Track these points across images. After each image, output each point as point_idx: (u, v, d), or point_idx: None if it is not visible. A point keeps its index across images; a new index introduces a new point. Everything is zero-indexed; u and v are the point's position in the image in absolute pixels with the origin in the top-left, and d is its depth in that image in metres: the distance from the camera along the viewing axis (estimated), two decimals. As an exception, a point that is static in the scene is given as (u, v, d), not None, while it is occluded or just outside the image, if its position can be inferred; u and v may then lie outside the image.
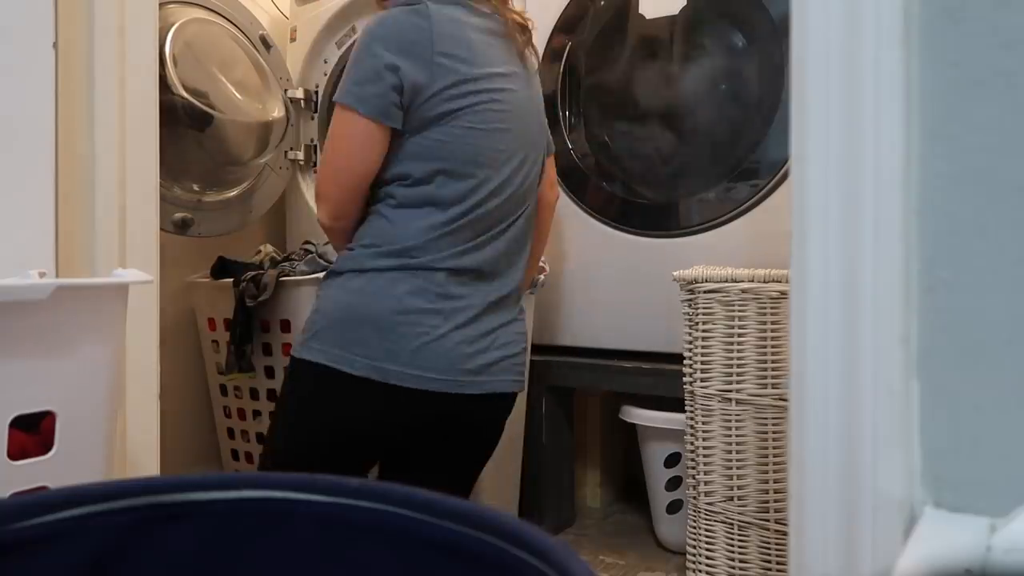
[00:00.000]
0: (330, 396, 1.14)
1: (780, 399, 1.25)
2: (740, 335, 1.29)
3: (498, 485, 1.69)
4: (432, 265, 1.15)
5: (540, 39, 1.85)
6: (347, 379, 1.12)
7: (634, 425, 1.80)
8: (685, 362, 1.36)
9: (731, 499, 1.31)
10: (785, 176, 1.54)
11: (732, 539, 1.31)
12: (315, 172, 2.16)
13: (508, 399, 1.25)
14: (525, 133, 1.24)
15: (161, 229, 1.29)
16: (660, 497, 1.79)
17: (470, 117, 1.16)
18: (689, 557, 1.38)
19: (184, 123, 1.84)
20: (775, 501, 1.27)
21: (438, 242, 1.15)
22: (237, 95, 1.89)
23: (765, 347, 1.27)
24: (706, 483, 1.33)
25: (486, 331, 1.19)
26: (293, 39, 2.20)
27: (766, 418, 1.27)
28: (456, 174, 1.16)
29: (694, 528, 1.36)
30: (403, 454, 1.24)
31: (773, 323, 1.26)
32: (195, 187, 1.89)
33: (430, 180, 1.16)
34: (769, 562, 1.28)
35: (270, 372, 1.78)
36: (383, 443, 1.21)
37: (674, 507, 1.76)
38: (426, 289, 1.14)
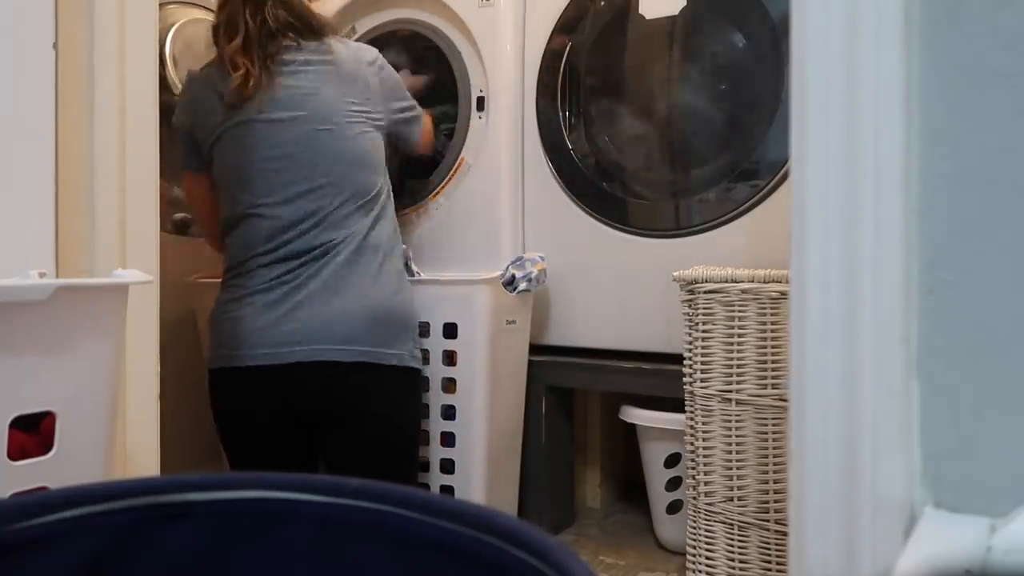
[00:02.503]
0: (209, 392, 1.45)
1: (780, 399, 1.25)
2: (740, 335, 1.29)
3: (498, 485, 1.69)
4: (235, 269, 1.42)
5: (540, 39, 1.86)
6: (208, 373, 1.42)
7: (634, 425, 1.80)
8: (685, 362, 1.36)
9: (731, 499, 1.31)
10: (785, 176, 1.54)
11: (732, 539, 1.31)
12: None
13: (334, 368, 1.34)
14: (257, 147, 1.39)
15: (161, 229, 1.29)
16: (660, 497, 1.79)
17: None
18: (689, 557, 1.37)
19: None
20: (775, 501, 1.27)
21: (230, 252, 1.44)
22: (237, 95, 1.89)
23: (765, 347, 1.27)
24: (706, 483, 1.33)
25: (288, 308, 1.34)
26: (293, 39, 2.20)
27: (766, 418, 1.27)
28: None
29: (694, 528, 1.36)
30: (303, 444, 1.41)
31: (773, 323, 1.26)
32: (195, 187, 1.89)
33: None
34: (769, 562, 1.28)
35: (270, 372, 1.78)
36: (255, 428, 1.39)
37: (674, 507, 1.76)
38: (232, 286, 1.41)
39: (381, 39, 1.93)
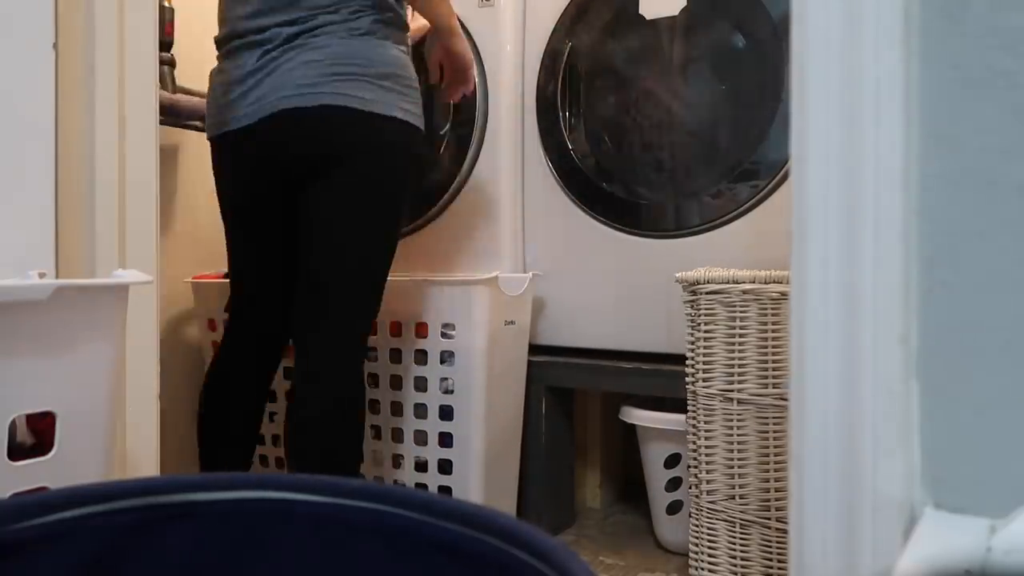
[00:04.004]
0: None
1: (781, 399, 1.25)
2: (741, 336, 1.29)
3: (496, 486, 1.69)
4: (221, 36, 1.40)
5: (540, 39, 1.86)
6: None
7: (634, 426, 1.80)
8: (687, 362, 1.36)
9: (733, 498, 1.31)
10: (785, 176, 1.54)
11: (734, 537, 1.31)
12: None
13: (300, 113, 1.27)
14: None
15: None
16: (660, 498, 1.79)
17: None
18: (692, 555, 1.38)
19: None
20: (776, 500, 1.27)
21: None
22: (237, 95, 1.88)
23: (766, 347, 1.27)
24: (708, 482, 1.33)
25: (264, 73, 1.30)
26: (293, 39, 2.20)
27: (767, 417, 1.28)
28: None
29: (696, 527, 1.36)
30: (284, 208, 1.39)
31: (774, 323, 1.26)
32: (195, 187, 1.89)
33: None
34: (770, 560, 1.28)
35: (270, 372, 1.78)
36: (240, 191, 1.40)
37: (674, 508, 1.76)
38: (220, 55, 1.40)
39: (381, 39, 1.93)
